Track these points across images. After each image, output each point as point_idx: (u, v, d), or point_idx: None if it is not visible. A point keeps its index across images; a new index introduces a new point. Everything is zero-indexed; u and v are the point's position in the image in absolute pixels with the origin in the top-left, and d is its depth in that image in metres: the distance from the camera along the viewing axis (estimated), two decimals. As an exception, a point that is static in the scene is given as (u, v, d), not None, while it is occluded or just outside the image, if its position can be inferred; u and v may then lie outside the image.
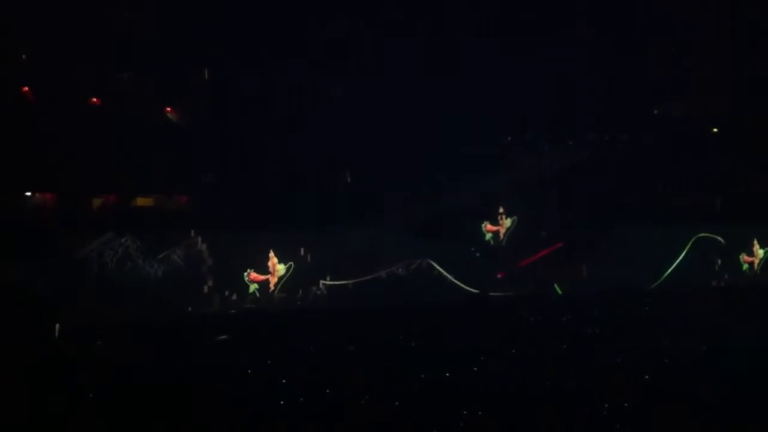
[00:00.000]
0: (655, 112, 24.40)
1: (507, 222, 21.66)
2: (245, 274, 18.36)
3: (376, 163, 20.11)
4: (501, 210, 21.71)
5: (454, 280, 20.49)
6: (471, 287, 20.69)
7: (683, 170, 23.57)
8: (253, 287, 18.41)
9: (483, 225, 21.68)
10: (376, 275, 19.71)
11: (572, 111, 22.14)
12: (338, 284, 19.31)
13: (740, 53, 22.92)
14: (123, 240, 17.24)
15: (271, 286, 18.60)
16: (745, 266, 24.90)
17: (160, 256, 17.51)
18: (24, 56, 17.72)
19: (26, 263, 16.00)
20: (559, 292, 21.50)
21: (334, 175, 20.53)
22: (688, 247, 23.57)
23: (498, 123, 21.56)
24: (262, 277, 18.53)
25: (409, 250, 20.09)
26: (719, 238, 24.20)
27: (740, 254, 24.84)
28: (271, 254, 18.64)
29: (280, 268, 18.66)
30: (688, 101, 24.25)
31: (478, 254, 21.19)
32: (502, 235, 21.75)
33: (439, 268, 20.34)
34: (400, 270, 19.95)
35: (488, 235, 21.64)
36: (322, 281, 19.13)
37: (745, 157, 24.20)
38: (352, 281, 19.40)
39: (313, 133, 19.38)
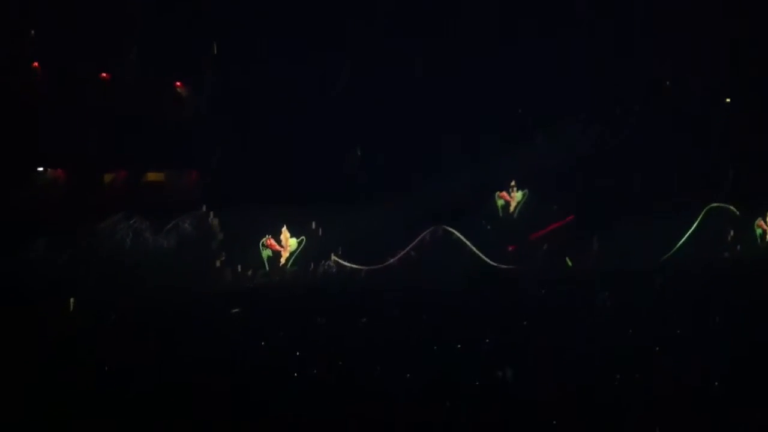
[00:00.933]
0: (667, 83, 24.21)
1: (518, 195, 21.63)
2: (263, 239, 18.41)
3: (388, 140, 20.08)
4: (513, 183, 21.68)
5: (473, 248, 20.50)
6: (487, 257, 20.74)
7: (696, 144, 23.39)
8: (266, 253, 18.46)
9: (497, 194, 21.67)
10: (391, 261, 19.75)
11: (585, 87, 21.99)
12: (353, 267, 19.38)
13: (758, 21, 22.71)
14: (134, 216, 17.31)
15: (282, 260, 18.65)
16: (759, 231, 24.75)
17: (170, 230, 17.55)
18: (33, 33, 17.69)
19: (39, 239, 16.11)
20: (570, 264, 21.48)
21: (348, 150, 20.50)
22: (700, 218, 23.46)
23: (511, 99, 21.46)
24: (277, 247, 18.59)
25: (424, 223, 20.10)
26: (732, 208, 24.08)
27: (755, 220, 24.70)
28: (284, 229, 18.69)
29: (292, 243, 18.71)
30: (704, 74, 24.05)
31: (489, 227, 21.17)
32: (512, 208, 21.73)
33: (458, 234, 20.35)
34: (412, 253, 19.96)
35: (500, 202, 21.60)
36: (333, 255, 19.17)
37: (759, 129, 24.02)
38: (367, 268, 19.46)
39: (326, 109, 19.32)
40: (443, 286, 18.37)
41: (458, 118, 20.65)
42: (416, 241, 19.99)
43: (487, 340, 14.06)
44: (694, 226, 23.30)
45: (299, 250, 18.84)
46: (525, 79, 21.06)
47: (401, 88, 20.12)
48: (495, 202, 21.72)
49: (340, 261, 19.24)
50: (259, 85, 19.12)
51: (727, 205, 23.95)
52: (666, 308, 16.74)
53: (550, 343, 13.82)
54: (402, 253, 19.84)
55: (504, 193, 21.70)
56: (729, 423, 10.04)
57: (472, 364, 12.59)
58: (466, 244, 20.47)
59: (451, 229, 20.38)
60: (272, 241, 18.53)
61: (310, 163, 19.15)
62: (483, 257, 20.60)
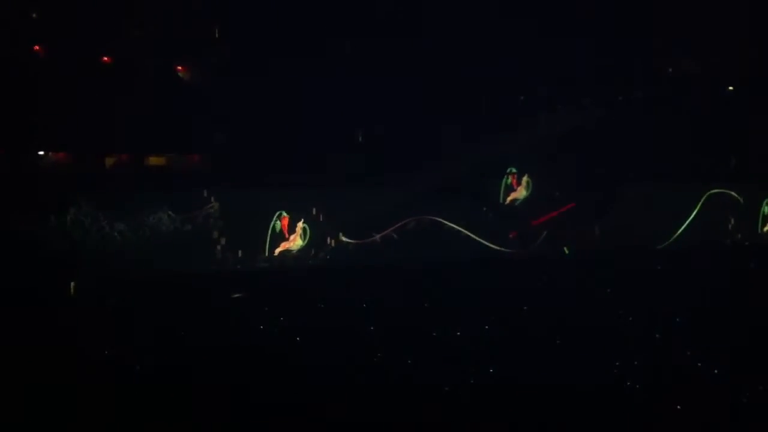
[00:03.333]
0: (670, 70, 24.14)
1: (523, 192, 21.58)
2: (278, 213, 18.39)
3: (389, 122, 20.07)
4: (525, 176, 21.64)
5: (469, 234, 20.48)
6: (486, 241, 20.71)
7: (697, 128, 23.34)
8: (278, 226, 18.45)
9: (508, 176, 21.62)
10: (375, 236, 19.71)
11: (584, 69, 21.92)
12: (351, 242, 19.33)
13: (756, 9, 22.62)
14: (136, 198, 17.33)
15: (277, 250, 18.59)
16: (765, 209, 24.69)
17: (175, 214, 17.56)
18: (34, 14, 17.65)
19: (40, 222, 16.14)
20: (567, 252, 21.48)
21: (348, 133, 20.48)
22: (699, 204, 23.45)
23: (509, 81, 21.40)
24: (285, 230, 18.55)
25: (418, 209, 20.08)
26: (733, 194, 24.03)
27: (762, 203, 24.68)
28: (300, 224, 18.66)
29: (298, 244, 18.68)
30: (703, 58, 23.99)
31: (490, 214, 21.15)
32: (514, 196, 21.67)
33: (449, 223, 20.29)
34: (393, 234, 19.87)
35: (507, 180, 21.51)
36: (333, 238, 19.14)
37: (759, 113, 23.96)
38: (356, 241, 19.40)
39: (324, 90, 19.26)
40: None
41: (457, 104, 20.58)
42: (396, 225, 19.84)
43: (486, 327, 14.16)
44: (694, 213, 23.34)
45: (303, 244, 18.80)
46: (525, 62, 21.02)
47: (398, 73, 20.08)
48: (502, 182, 21.59)
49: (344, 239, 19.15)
50: (261, 68, 19.09)
51: (728, 191, 23.94)
52: (663, 295, 16.83)
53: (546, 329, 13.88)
54: (383, 233, 19.73)
55: (514, 179, 21.60)
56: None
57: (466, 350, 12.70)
58: (458, 230, 20.39)
59: (439, 219, 20.27)
60: (287, 220, 18.49)
61: (308, 147, 19.12)
62: (480, 240, 20.54)
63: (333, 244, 19.15)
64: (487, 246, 20.73)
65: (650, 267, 20.21)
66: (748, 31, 22.89)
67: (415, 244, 19.73)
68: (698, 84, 23.91)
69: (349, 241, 19.21)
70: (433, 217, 20.16)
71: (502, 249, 20.92)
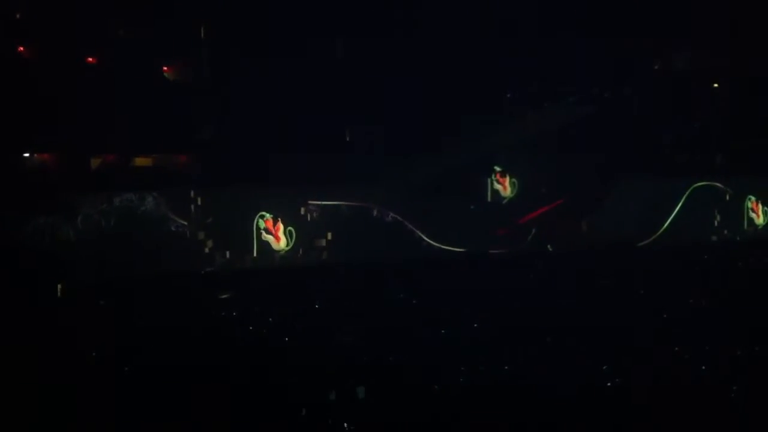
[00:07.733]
0: (656, 67, 24.25)
1: (509, 191, 21.61)
2: (262, 216, 18.35)
3: (373, 122, 20.09)
4: (509, 176, 21.64)
5: (423, 237, 20.36)
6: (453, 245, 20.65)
7: (684, 124, 23.46)
8: (261, 224, 18.46)
9: (494, 176, 21.61)
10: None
11: (572, 66, 22.00)
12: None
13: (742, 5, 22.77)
14: (123, 199, 17.28)
15: (263, 236, 18.57)
16: (748, 204, 24.80)
17: (160, 214, 17.53)
18: (19, 15, 17.59)
19: (26, 223, 16.10)
20: (550, 249, 21.51)
21: (333, 130, 20.49)
22: (684, 198, 23.54)
23: (496, 78, 21.45)
24: (272, 230, 18.52)
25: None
26: (719, 185, 24.09)
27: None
28: (279, 223, 18.63)
29: (282, 244, 18.65)
30: (690, 54, 24.11)
31: (477, 212, 21.18)
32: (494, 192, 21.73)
33: (411, 226, 20.19)
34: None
35: (494, 178, 21.51)
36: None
37: (746, 109, 24.09)
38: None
39: (312, 88, 19.26)
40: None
41: (445, 100, 20.62)
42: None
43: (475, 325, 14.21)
44: (678, 207, 23.44)
45: (289, 247, 18.77)
46: (510, 60, 21.08)
47: (385, 70, 20.09)
48: (489, 183, 21.60)
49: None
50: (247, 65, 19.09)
51: (713, 183, 24.02)
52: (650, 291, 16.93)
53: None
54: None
55: (505, 180, 21.61)
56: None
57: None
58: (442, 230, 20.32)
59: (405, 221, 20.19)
60: (270, 224, 18.47)
61: (294, 146, 19.14)
62: (429, 240, 20.38)
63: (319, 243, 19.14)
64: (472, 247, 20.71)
65: (636, 264, 20.32)
66: (734, 26, 23.04)
67: (390, 244, 19.63)
68: (683, 80, 24.05)
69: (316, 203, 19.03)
70: (418, 215, 20.13)
71: (489, 251, 20.93)
